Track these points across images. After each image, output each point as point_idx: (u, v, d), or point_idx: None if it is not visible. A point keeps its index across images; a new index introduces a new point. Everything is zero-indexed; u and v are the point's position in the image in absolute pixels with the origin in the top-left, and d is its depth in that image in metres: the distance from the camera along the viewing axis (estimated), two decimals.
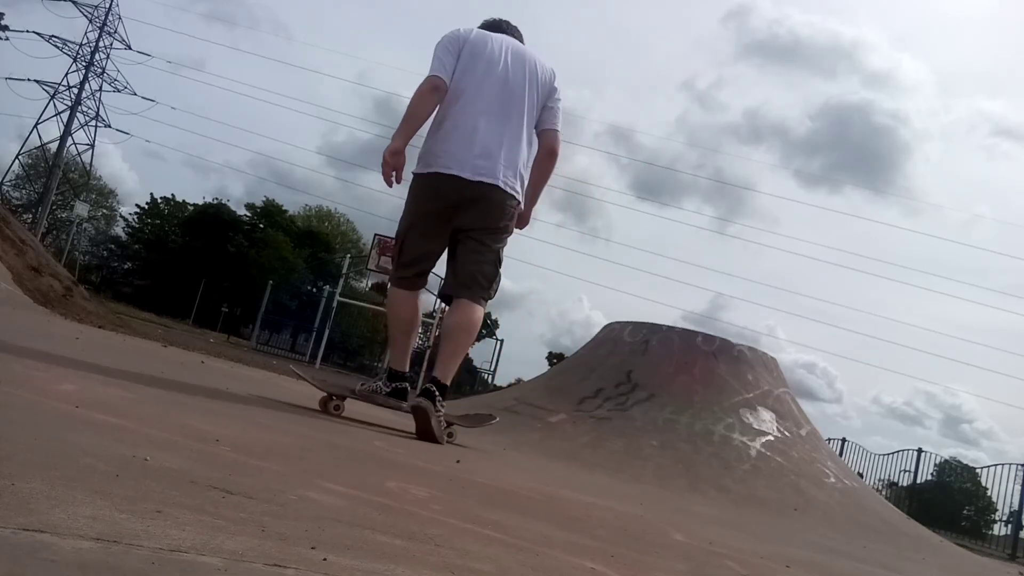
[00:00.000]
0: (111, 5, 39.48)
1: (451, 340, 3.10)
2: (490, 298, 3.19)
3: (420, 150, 3.20)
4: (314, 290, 25.48)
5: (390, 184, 3.10)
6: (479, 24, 3.42)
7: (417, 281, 3.23)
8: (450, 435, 3.18)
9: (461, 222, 3.12)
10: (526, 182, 3.24)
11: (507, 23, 3.45)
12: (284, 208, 49.59)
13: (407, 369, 3.22)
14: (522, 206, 3.27)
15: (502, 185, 3.08)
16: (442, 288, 3.24)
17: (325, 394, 3.14)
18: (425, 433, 2.92)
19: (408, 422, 3.16)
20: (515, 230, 3.30)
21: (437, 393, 2.94)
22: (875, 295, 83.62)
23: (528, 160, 3.25)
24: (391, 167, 3.07)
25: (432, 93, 3.11)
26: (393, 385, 3.15)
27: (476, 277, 3.10)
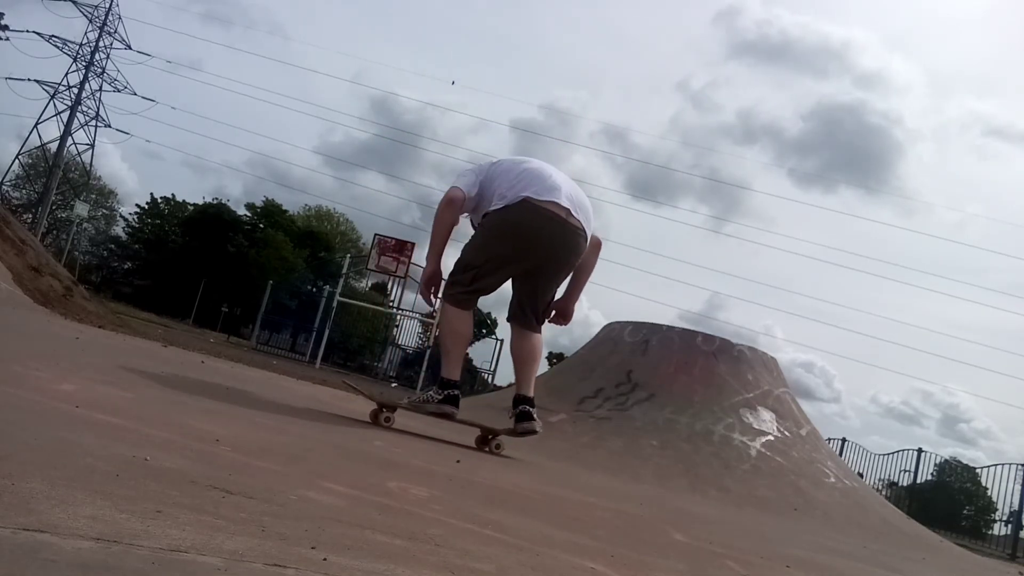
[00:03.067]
0: (111, 5, 39.47)
1: (531, 365, 3.46)
2: None
3: (494, 199, 3.20)
4: (314, 290, 25.43)
5: (432, 304, 3.42)
6: None
7: (475, 301, 3.38)
8: (498, 446, 3.36)
9: (538, 262, 3.26)
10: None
11: None
12: (284, 208, 49.62)
13: (459, 378, 3.33)
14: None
15: (586, 233, 3.24)
16: (513, 313, 3.42)
17: (376, 406, 3.20)
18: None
19: (414, 423, 3.17)
20: (558, 324, 3.59)
21: (532, 410, 3.33)
22: (872, 294, 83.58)
23: None
24: (429, 289, 3.39)
25: (449, 205, 3.25)
26: (446, 392, 3.24)
27: (544, 313, 3.45)
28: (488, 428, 3.43)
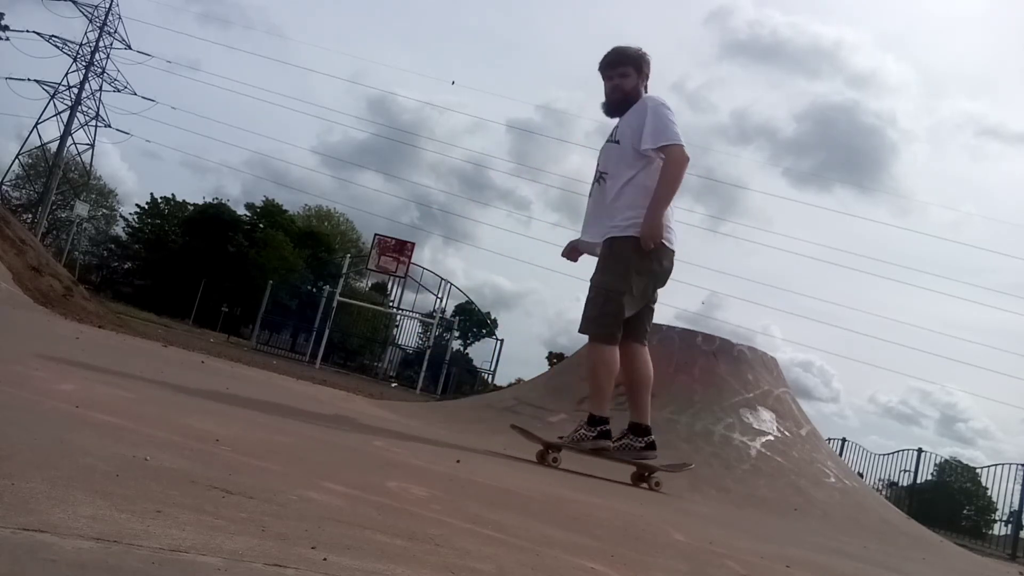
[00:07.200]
0: (111, 5, 39.45)
1: (644, 388, 3.54)
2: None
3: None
4: (314, 290, 25.44)
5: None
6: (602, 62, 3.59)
7: (620, 336, 3.45)
8: (657, 484, 3.49)
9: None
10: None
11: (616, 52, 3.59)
12: (284, 208, 49.62)
13: (608, 414, 3.44)
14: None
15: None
16: (629, 335, 3.49)
17: (543, 447, 3.36)
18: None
19: (414, 422, 3.17)
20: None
21: (652, 439, 3.44)
22: (869, 293, 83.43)
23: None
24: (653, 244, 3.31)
25: (686, 165, 3.47)
26: (598, 429, 3.39)
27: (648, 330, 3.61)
28: (644, 465, 3.50)
